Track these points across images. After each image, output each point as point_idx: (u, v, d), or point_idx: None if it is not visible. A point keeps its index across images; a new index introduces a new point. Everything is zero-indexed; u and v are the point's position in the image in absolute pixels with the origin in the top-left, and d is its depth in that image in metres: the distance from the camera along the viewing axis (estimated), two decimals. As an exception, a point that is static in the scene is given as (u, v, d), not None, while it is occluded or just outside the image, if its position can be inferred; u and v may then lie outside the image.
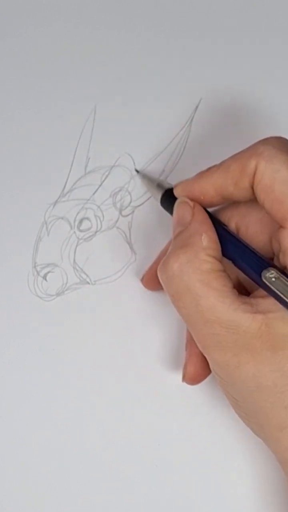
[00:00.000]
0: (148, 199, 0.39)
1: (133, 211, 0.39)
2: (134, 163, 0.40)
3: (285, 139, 0.32)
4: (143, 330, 0.38)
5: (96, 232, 0.39)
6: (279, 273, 0.30)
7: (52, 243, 0.39)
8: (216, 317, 0.30)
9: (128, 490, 0.37)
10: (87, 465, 0.37)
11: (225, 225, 0.34)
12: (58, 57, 0.41)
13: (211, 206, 0.34)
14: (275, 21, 0.42)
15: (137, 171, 0.39)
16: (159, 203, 0.36)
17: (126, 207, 0.39)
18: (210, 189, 0.33)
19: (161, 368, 0.38)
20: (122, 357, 0.38)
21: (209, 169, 0.33)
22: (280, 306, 0.30)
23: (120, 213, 0.39)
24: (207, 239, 0.32)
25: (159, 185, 0.37)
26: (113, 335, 0.38)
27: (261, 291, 0.31)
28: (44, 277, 0.39)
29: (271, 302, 0.30)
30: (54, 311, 0.38)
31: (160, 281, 0.32)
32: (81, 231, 0.39)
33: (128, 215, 0.39)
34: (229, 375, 0.31)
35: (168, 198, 0.35)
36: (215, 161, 0.39)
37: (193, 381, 0.36)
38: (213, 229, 0.33)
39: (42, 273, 0.39)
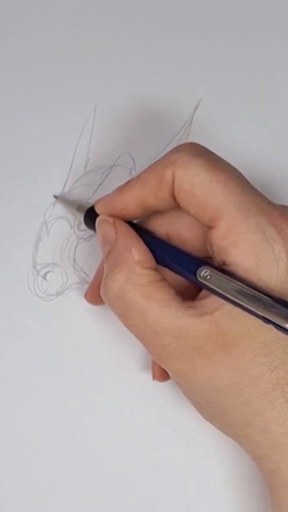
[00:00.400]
0: (76, 221, 0.39)
1: (133, 211, 0.39)
2: (134, 162, 0.40)
3: (197, 144, 0.32)
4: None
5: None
6: (213, 269, 0.30)
7: (52, 242, 0.39)
8: (164, 328, 0.30)
9: (127, 490, 0.37)
10: (87, 465, 0.37)
11: (152, 232, 0.34)
12: (58, 57, 0.41)
13: (134, 218, 0.34)
14: (275, 21, 0.42)
15: (55, 197, 0.39)
16: (82, 226, 0.37)
17: (126, 206, 0.39)
18: (130, 202, 0.33)
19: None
20: (122, 357, 0.38)
21: (127, 183, 0.33)
22: (223, 301, 0.30)
23: (120, 212, 0.39)
24: (137, 252, 0.32)
25: (79, 208, 0.37)
26: (113, 335, 0.38)
27: (204, 292, 0.31)
28: (44, 277, 0.39)
29: (214, 299, 0.30)
30: (54, 310, 0.38)
31: (106, 303, 0.33)
32: (81, 230, 0.39)
33: (128, 214, 0.39)
34: (187, 382, 0.31)
35: (92, 218, 0.35)
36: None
37: (163, 378, 0.36)
38: (140, 240, 0.33)
39: (42, 273, 0.39)
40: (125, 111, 0.41)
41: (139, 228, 0.34)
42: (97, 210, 0.35)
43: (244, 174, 0.32)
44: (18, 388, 0.38)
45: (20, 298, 0.38)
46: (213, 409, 0.32)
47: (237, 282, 0.29)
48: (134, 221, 0.35)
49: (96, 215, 0.35)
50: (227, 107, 0.41)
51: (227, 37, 0.42)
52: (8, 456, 0.37)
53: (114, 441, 0.37)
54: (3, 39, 0.41)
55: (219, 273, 0.30)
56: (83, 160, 0.40)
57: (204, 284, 0.30)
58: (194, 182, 0.30)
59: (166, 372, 0.34)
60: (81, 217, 0.36)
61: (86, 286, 0.38)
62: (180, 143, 0.40)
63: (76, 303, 0.38)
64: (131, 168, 0.40)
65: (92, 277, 0.38)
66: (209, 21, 0.42)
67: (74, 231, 0.39)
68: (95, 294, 0.37)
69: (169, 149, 0.39)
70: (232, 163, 0.32)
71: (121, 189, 0.33)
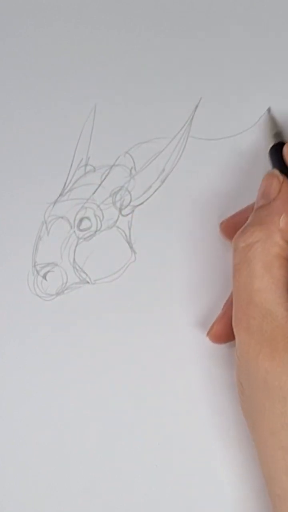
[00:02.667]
0: (148, 198, 0.39)
1: (133, 211, 0.39)
2: (134, 162, 0.40)
3: None
4: (143, 330, 0.38)
5: (96, 231, 0.39)
6: None
7: (52, 242, 0.39)
8: (260, 302, 0.30)
9: (128, 490, 0.37)
10: (87, 465, 0.37)
11: None
12: (58, 57, 0.41)
13: None
14: (276, 21, 0.42)
15: (269, 110, 0.39)
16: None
17: (126, 206, 0.39)
18: None
19: (161, 367, 0.38)
20: (122, 357, 0.38)
21: None
22: None
23: (120, 212, 0.39)
24: (285, 221, 0.32)
25: (276, 135, 0.37)
26: (112, 335, 0.38)
27: None
28: (44, 277, 0.39)
29: None
30: (54, 310, 0.38)
31: (233, 246, 0.33)
32: (81, 230, 0.39)
33: (128, 214, 0.39)
34: (247, 360, 0.31)
35: (277, 150, 0.35)
36: (215, 161, 0.39)
37: (216, 339, 0.36)
38: None
39: (42, 273, 0.39)
40: (125, 111, 0.41)
41: None
42: (284, 150, 0.34)
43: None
44: (18, 388, 0.38)
45: (20, 297, 0.38)
46: (251, 399, 0.32)
47: None
48: None
49: (280, 152, 0.34)
50: (227, 107, 0.41)
51: (227, 37, 0.42)
52: (8, 456, 0.37)
53: (114, 441, 0.37)
54: (3, 39, 0.41)
55: None
56: (83, 160, 0.40)
57: None
58: None
59: (222, 336, 0.34)
60: (271, 143, 0.36)
61: (86, 286, 0.38)
62: (180, 143, 0.40)
63: (76, 303, 0.38)
64: (131, 168, 0.40)
65: (92, 277, 0.38)
66: (209, 21, 0.42)
67: (74, 231, 0.39)
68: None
69: (169, 149, 0.39)
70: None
71: None
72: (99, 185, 0.39)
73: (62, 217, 0.39)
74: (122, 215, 0.39)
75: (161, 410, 0.37)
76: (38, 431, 0.37)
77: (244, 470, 0.37)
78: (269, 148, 0.36)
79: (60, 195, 0.39)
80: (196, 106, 0.41)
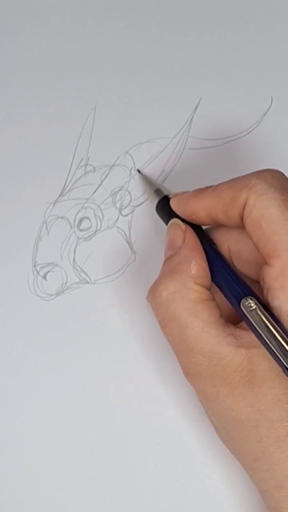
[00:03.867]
0: (148, 198, 0.39)
1: (132, 211, 0.39)
2: (133, 162, 0.40)
3: (280, 173, 0.32)
4: (143, 329, 0.38)
5: (96, 231, 0.39)
6: (259, 303, 0.30)
7: (52, 242, 0.39)
8: (200, 348, 0.31)
9: (128, 490, 0.37)
10: (87, 464, 0.37)
11: (215, 244, 0.34)
12: (58, 57, 0.41)
13: (202, 225, 0.34)
14: (277, 21, 0.42)
15: (138, 171, 0.39)
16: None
17: (126, 206, 0.39)
18: (201, 211, 0.33)
19: (161, 367, 0.38)
20: (121, 356, 0.38)
21: (204, 189, 0.33)
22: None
23: (120, 212, 0.39)
24: (196, 268, 0.32)
25: (157, 191, 0.37)
26: (112, 334, 0.38)
27: None
28: (44, 277, 0.39)
29: (254, 335, 0.30)
30: (54, 310, 0.38)
31: (149, 306, 0.33)
32: (81, 230, 0.39)
33: (128, 214, 0.39)
34: (208, 404, 0.32)
35: (164, 205, 0.35)
36: (215, 161, 0.39)
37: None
38: (203, 256, 0.33)
39: (42, 273, 0.39)
40: (125, 111, 0.41)
41: (205, 237, 0.34)
42: (171, 204, 0.35)
43: (243, 174, 0.32)
44: (18, 388, 0.38)
45: (20, 297, 0.38)
46: (227, 435, 0.32)
47: (275, 325, 0.29)
48: (203, 227, 0.34)
49: (168, 206, 0.35)
50: (227, 107, 0.41)
51: (227, 37, 0.42)
52: (8, 456, 0.37)
53: (114, 441, 0.37)
54: (3, 39, 0.41)
55: (262, 309, 0.29)
56: (83, 160, 0.40)
57: (244, 315, 0.30)
58: (264, 214, 0.30)
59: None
60: (155, 201, 0.36)
61: (86, 286, 0.38)
62: (180, 143, 0.40)
63: (76, 303, 0.38)
64: (131, 168, 0.40)
65: (92, 277, 0.38)
66: (210, 21, 0.42)
67: (74, 231, 0.39)
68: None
69: (169, 149, 0.39)
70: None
71: (197, 193, 0.33)
72: (99, 185, 0.39)
73: (62, 217, 0.39)
74: (122, 215, 0.39)
75: (162, 410, 0.37)
76: (38, 431, 0.37)
77: (243, 471, 0.37)
78: (155, 207, 0.36)
79: (60, 195, 0.39)
80: (196, 106, 0.41)
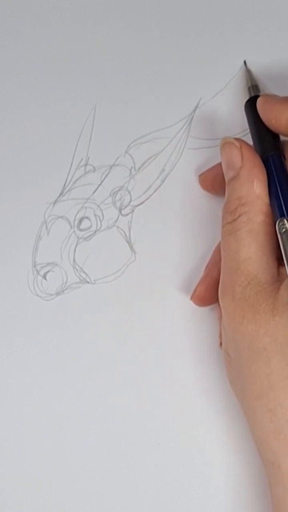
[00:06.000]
0: (148, 198, 0.39)
1: (133, 210, 0.39)
2: (133, 162, 0.40)
3: None
4: (143, 329, 0.38)
5: (95, 231, 0.39)
6: None
7: (52, 242, 0.39)
8: (247, 269, 0.31)
9: (128, 490, 0.37)
10: (87, 464, 0.37)
11: (284, 157, 0.33)
12: (58, 57, 0.41)
13: (280, 134, 0.34)
14: (277, 21, 0.42)
15: (245, 62, 0.39)
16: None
17: (126, 206, 0.39)
18: (284, 118, 0.33)
19: (161, 367, 0.38)
20: (121, 356, 0.38)
21: None
22: None
23: (120, 212, 0.39)
24: (259, 186, 0.32)
25: (253, 87, 0.37)
26: (112, 334, 0.38)
27: None
28: (44, 276, 0.39)
29: None
30: (54, 310, 0.38)
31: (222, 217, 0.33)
32: (80, 230, 0.39)
33: (128, 214, 0.39)
34: (233, 328, 0.31)
35: (251, 104, 0.35)
36: (215, 161, 0.39)
37: (200, 301, 0.36)
38: (264, 172, 0.32)
39: (42, 272, 0.39)
40: (125, 111, 0.41)
41: (274, 147, 0.34)
42: (258, 101, 0.35)
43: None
44: (18, 388, 0.38)
45: (20, 297, 0.38)
46: (238, 367, 0.32)
47: None
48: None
49: (255, 106, 0.34)
50: (227, 107, 0.41)
51: (227, 37, 0.42)
52: (8, 456, 0.37)
53: (114, 441, 0.37)
54: (3, 39, 0.41)
55: None
56: (83, 160, 0.40)
57: (276, 233, 0.31)
58: None
59: (206, 298, 0.35)
60: (246, 98, 0.36)
61: (86, 286, 0.38)
62: (180, 142, 0.40)
63: (76, 303, 0.38)
64: (131, 168, 0.40)
65: (92, 277, 0.38)
66: (209, 21, 0.42)
67: (74, 231, 0.39)
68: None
69: (169, 148, 0.39)
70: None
71: (285, 100, 0.33)
72: (99, 185, 0.40)
73: (62, 217, 0.39)
74: (122, 215, 0.39)
75: (162, 410, 0.37)
76: (38, 431, 0.37)
77: (244, 470, 0.37)
78: (244, 102, 0.36)
79: (60, 195, 0.39)
80: (196, 106, 0.41)
